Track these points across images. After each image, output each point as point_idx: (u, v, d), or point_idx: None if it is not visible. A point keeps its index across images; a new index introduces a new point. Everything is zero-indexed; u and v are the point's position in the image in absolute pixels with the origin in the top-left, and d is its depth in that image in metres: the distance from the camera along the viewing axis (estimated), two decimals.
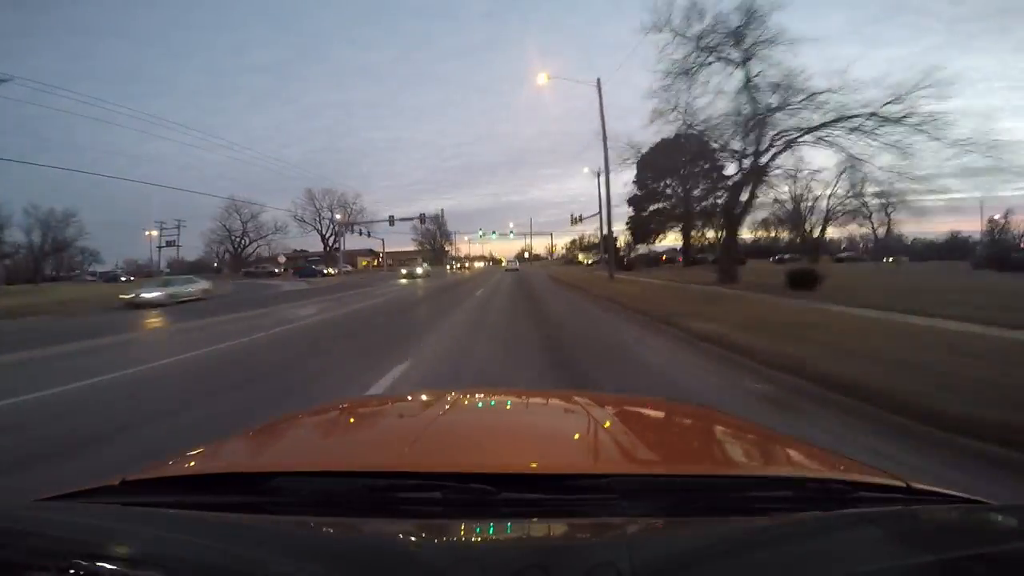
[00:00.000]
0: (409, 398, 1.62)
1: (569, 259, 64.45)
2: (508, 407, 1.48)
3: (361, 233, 49.92)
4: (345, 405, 1.51)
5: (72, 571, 0.50)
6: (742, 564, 0.53)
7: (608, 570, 0.47)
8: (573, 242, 73.08)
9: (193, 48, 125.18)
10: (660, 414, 1.43)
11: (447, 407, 1.32)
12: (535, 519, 0.67)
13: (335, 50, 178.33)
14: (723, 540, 0.60)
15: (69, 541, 0.58)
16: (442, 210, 77.78)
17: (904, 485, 0.80)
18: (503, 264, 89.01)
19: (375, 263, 66.36)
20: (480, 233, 64.36)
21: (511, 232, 63.65)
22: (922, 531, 0.64)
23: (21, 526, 0.62)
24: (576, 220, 38.98)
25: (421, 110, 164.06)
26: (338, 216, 54.59)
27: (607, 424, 1.16)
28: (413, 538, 0.62)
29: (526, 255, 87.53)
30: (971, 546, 0.58)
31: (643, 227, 39.23)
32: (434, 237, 78.13)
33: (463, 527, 0.65)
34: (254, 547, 0.57)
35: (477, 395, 1.57)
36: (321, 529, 0.63)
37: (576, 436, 1.13)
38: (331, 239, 56.57)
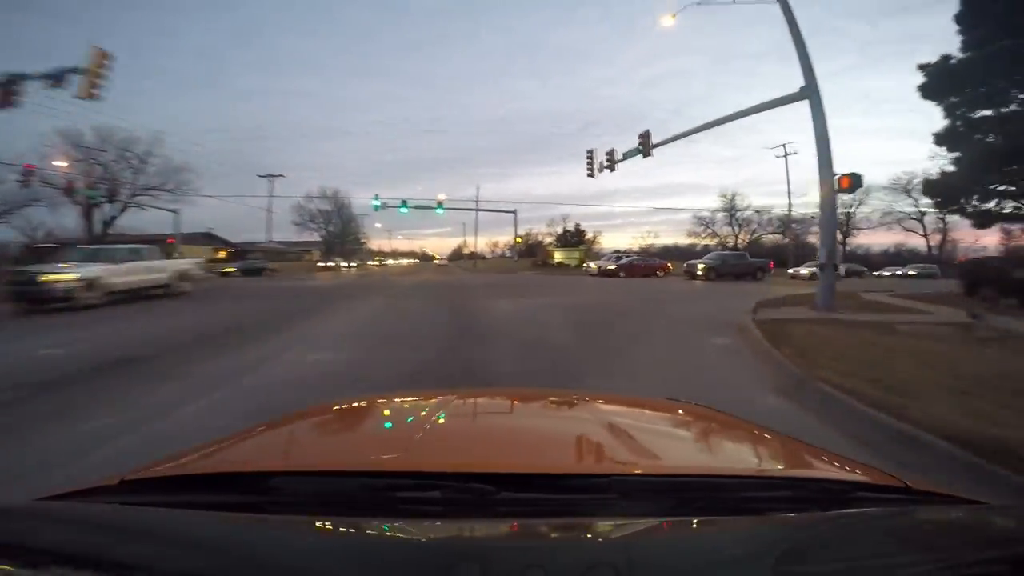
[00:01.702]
0: (409, 398, 1.56)
1: (542, 260, 44.75)
2: (508, 407, 1.49)
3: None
4: (345, 405, 1.49)
5: (71, 571, 0.51)
6: (742, 564, 0.53)
7: (607, 570, 0.48)
8: (522, 237, 54.41)
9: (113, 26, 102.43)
10: (660, 414, 1.43)
11: (447, 407, 1.32)
12: (535, 519, 0.67)
13: (268, 35, 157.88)
14: (723, 540, 0.60)
15: (68, 541, 0.58)
16: (336, 191, 57.26)
17: (904, 485, 0.81)
18: (436, 260, 76.31)
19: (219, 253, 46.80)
20: (377, 203, 34.27)
21: (439, 205, 35.94)
22: (922, 531, 0.65)
23: (20, 526, 0.62)
24: (608, 163, 17.72)
25: (359, 102, 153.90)
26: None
27: (607, 424, 1.15)
28: (412, 538, 0.62)
29: (466, 253, 71.22)
30: (971, 546, 0.59)
31: (966, 187, 17.11)
32: (329, 221, 57.91)
33: (463, 527, 0.65)
34: (253, 547, 0.57)
35: (477, 395, 1.61)
36: (320, 529, 0.63)
37: (576, 436, 1.13)
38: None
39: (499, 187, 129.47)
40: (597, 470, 0.81)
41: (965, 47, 15.97)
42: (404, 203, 36.00)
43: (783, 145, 38.19)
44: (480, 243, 74.90)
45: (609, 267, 28.57)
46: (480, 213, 49.05)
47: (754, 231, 52.14)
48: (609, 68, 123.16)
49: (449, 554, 0.54)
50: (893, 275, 34.94)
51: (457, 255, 73.93)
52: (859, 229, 50.51)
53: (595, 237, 59.75)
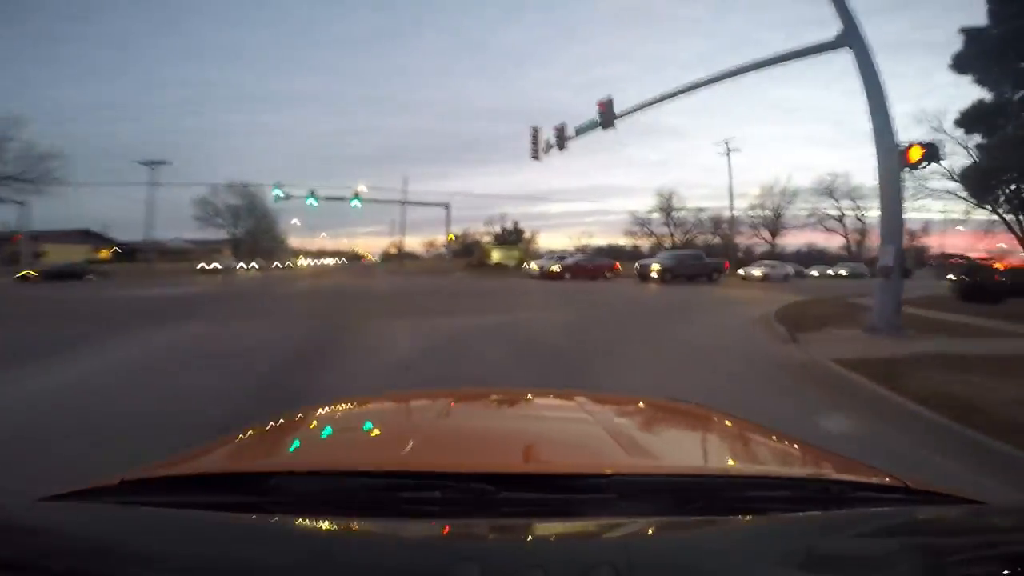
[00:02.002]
0: (409, 398, 1.56)
1: (478, 260, 39.38)
2: (508, 407, 1.48)
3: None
4: (345, 405, 1.48)
5: (71, 571, 0.51)
6: (741, 564, 0.53)
7: (607, 570, 0.48)
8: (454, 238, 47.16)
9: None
10: (660, 414, 1.43)
11: (447, 407, 1.32)
12: (535, 519, 0.67)
13: (193, 23, 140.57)
14: (723, 540, 0.60)
15: (68, 541, 0.58)
16: (245, 184, 49.27)
17: (904, 485, 0.80)
18: (366, 260, 70.11)
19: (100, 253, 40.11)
20: (280, 193, 29.69)
21: (355, 196, 31.75)
22: (922, 531, 0.65)
23: (20, 526, 0.62)
24: (558, 140, 14.81)
25: (292, 97, 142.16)
26: None
27: (607, 423, 1.14)
28: (412, 538, 0.62)
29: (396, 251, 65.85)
30: (971, 546, 0.59)
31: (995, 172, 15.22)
32: (238, 217, 50.38)
33: (463, 527, 0.65)
34: (253, 547, 0.57)
35: (477, 395, 1.62)
36: (320, 529, 0.63)
37: (576, 435, 1.13)
38: None
39: (437, 185, 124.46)
40: (597, 470, 0.79)
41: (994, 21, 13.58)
42: (312, 194, 30.45)
43: (726, 141, 37.39)
44: (415, 242, 69.91)
45: (553, 268, 24.94)
46: (417, 211, 46.47)
47: (688, 231, 51.02)
48: (551, 70, 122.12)
49: (449, 554, 0.53)
50: (823, 275, 34.05)
51: (390, 255, 67.99)
52: (786, 228, 50.86)
53: (533, 236, 57.45)
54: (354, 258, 78.89)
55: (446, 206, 42.34)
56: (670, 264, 23.24)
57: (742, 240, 47.99)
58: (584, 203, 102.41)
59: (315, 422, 1.28)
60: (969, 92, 15.28)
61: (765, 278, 27.15)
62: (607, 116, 12.86)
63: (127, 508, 0.69)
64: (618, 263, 27.69)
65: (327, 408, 1.39)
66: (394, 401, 1.54)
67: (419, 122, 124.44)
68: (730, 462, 1.07)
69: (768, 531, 0.62)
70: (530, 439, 1.08)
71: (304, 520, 0.65)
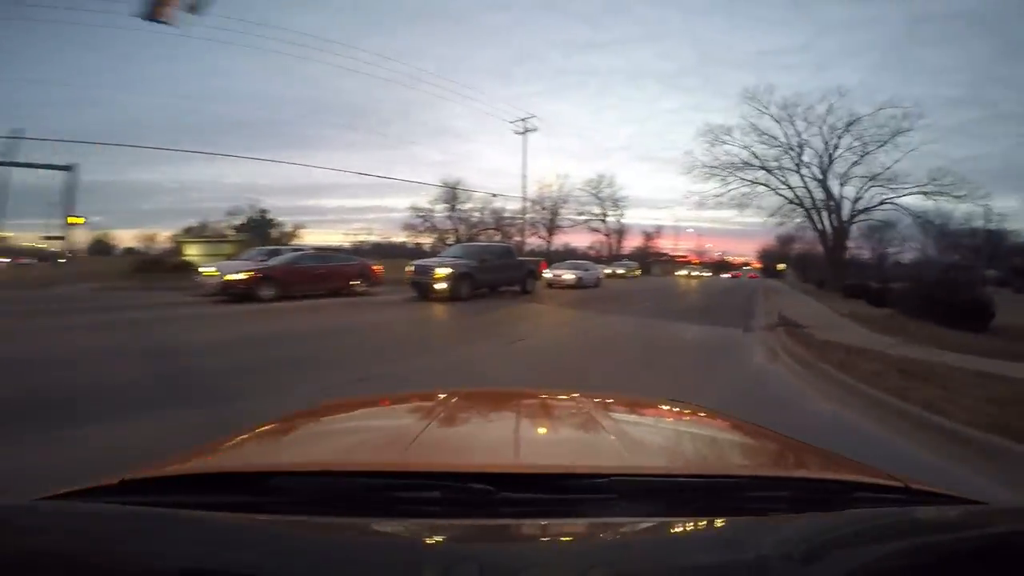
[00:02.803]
0: (409, 398, 1.56)
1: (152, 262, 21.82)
2: (508, 407, 1.47)
3: None
4: (345, 404, 1.48)
5: (71, 571, 0.50)
6: (741, 564, 0.53)
7: (607, 570, 0.48)
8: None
9: None
10: (660, 414, 1.43)
11: (447, 407, 1.31)
12: (534, 519, 0.67)
13: None
14: (722, 541, 0.60)
15: (68, 541, 0.57)
16: None
17: (903, 486, 0.80)
18: None
19: None
20: None
21: None
22: (921, 531, 0.64)
23: (19, 526, 0.61)
24: None
25: None
26: None
27: (607, 424, 1.14)
28: (412, 538, 0.61)
29: None
30: (970, 547, 0.58)
31: None
32: None
33: (462, 527, 0.65)
34: (253, 547, 0.56)
35: (476, 395, 1.59)
36: (320, 529, 0.63)
37: (575, 436, 1.13)
38: None
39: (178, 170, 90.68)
40: (597, 470, 0.78)
41: None
42: None
43: (523, 120, 29.93)
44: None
45: (238, 278, 12.03)
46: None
47: (474, 226, 44.80)
48: (343, 59, 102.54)
49: (449, 554, 0.53)
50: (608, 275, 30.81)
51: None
52: (560, 227, 49.97)
53: (295, 231, 46.42)
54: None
55: (67, 169, 23.59)
56: (468, 267, 13.12)
57: (525, 240, 44.73)
58: (366, 199, 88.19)
59: (315, 422, 1.28)
60: None
61: (579, 283, 20.23)
62: None
63: (126, 508, 0.69)
64: (379, 266, 15.82)
65: (327, 408, 1.40)
66: (394, 401, 1.54)
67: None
68: (730, 462, 1.07)
69: (768, 531, 0.61)
70: (530, 439, 1.09)
71: (304, 520, 0.65)
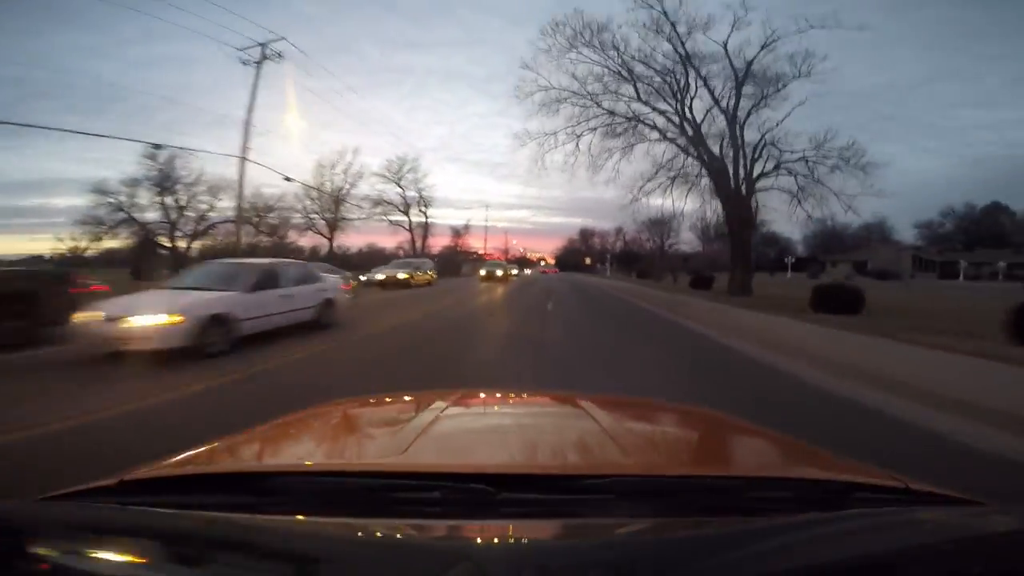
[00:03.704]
0: (409, 398, 1.54)
1: None
2: (508, 407, 1.47)
3: None
4: (345, 405, 1.47)
5: (71, 572, 0.50)
6: (741, 565, 0.53)
7: (607, 570, 0.48)
8: None
9: None
10: (660, 415, 1.42)
11: (447, 407, 1.30)
12: (534, 519, 0.67)
13: None
14: (723, 541, 0.60)
15: (67, 541, 0.57)
16: None
17: (903, 486, 0.80)
18: None
19: None
20: None
21: None
22: (922, 531, 0.64)
23: (19, 526, 0.61)
24: None
25: None
26: None
27: (606, 425, 1.13)
28: (412, 538, 0.61)
29: None
30: (970, 547, 0.58)
31: None
32: None
33: (462, 527, 0.65)
34: (253, 548, 0.56)
35: (477, 395, 1.57)
36: (320, 529, 0.63)
37: (575, 437, 1.12)
38: None
39: None
40: (596, 471, 0.79)
41: None
42: None
43: (261, 45, 15.95)
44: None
45: None
46: None
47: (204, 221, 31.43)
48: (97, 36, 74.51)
49: (449, 554, 0.53)
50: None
51: None
52: (349, 220, 38.85)
53: None
54: None
55: None
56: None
57: (303, 242, 37.31)
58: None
59: (315, 422, 1.28)
60: None
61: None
62: None
63: (126, 508, 0.68)
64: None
65: (327, 408, 1.40)
66: (394, 401, 1.53)
67: None
68: (730, 462, 1.07)
69: (768, 531, 0.62)
70: (530, 439, 1.09)
71: (304, 520, 0.65)
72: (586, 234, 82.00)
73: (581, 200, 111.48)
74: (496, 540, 0.62)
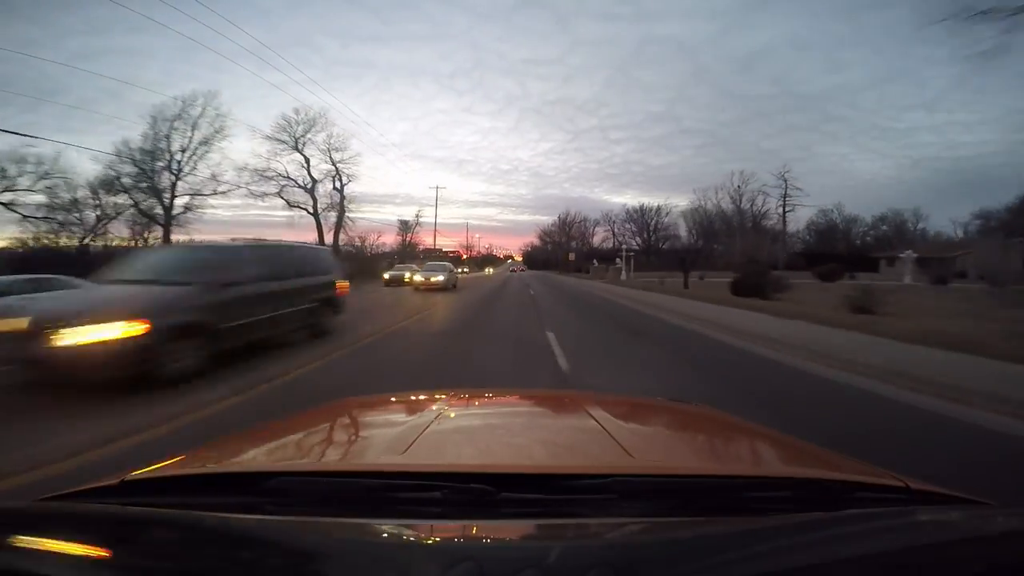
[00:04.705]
0: (409, 398, 1.55)
1: None
2: (508, 407, 1.48)
3: None
4: (345, 405, 1.47)
5: (71, 572, 0.50)
6: (741, 564, 0.53)
7: (607, 570, 0.48)
8: None
9: None
10: (660, 414, 1.43)
11: (447, 407, 1.30)
12: (534, 519, 0.67)
13: None
14: (723, 541, 0.60)
15: (68, 542, 0.57)
16: None
17: (904, 486, 0.80)
18: None
19: None
20: None
21: None
22: (923, 532, 0.64)
23: (20, 526, 0.61)
24: None
25: None
26: None
27: (607, 424, 1.13)
28: (412, 538, 0.61)
29: None
30: (971, 547, 0.59)
31: None
32: None
33: (462, 527, 0.65)
34: (253, 548, 0.56)
35: (476, 395, 1.58)
36: (320, 529, 0.63)
37: (575, 436, 1.13)
38: None
39: None
40: (597, 470, 0.79)
41: None
42: None
43: None
44: None
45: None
46: None
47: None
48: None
49: (449, 554, 0.53)
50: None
51: None
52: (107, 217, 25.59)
53: None
54: None
55: None
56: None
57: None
58: None
59: (315, 422, 1.27)
60: None
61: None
62: None
63: (126, 509, 0.68)
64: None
65: (328, 408, 1.40)
66: (394, 401, 1.53)
67: None
68: (730, 462, 1.07)
69: (768, 531, 0.62)
70: (530, 439, 1.10)
71: (304, 520, 0.65)
72: (567, 223, 70.08)
73: (546, 197, 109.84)
74: (497, 540, 0.62)
